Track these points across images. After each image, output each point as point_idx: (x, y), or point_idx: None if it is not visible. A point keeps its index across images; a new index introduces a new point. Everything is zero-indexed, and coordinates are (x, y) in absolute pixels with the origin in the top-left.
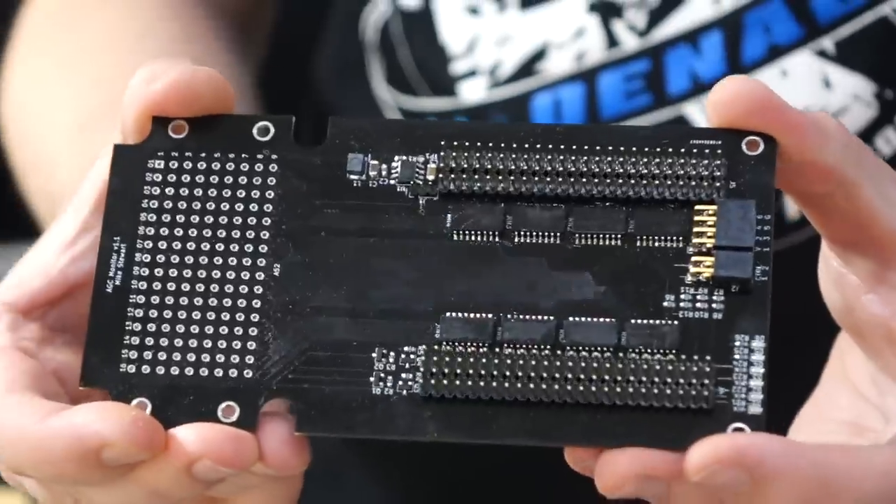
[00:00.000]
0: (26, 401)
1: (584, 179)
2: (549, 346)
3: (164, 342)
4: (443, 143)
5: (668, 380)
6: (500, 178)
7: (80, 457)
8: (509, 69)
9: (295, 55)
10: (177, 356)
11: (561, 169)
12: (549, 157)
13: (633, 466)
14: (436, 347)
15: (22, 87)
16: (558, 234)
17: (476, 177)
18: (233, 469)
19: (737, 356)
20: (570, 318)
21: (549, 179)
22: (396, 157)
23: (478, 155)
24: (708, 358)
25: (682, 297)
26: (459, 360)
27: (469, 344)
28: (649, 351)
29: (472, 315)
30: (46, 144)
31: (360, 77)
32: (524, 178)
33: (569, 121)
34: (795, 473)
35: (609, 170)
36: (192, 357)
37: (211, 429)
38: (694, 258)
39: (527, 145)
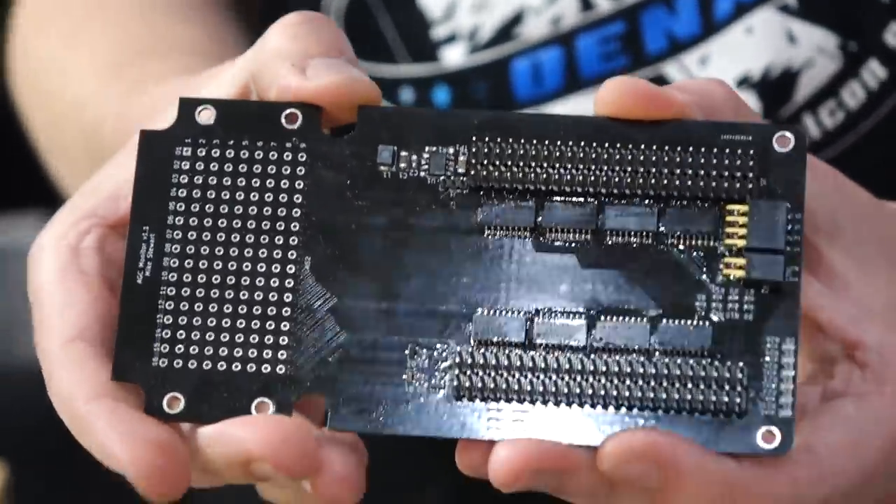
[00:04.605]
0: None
1: (617, 170)
2: (581, 347)
3: (195, 336)
4: (474, 136)
5: (700, 384)
6: (532, 171)
7: (229, 461)
8: (488, 34)
9: None
10: (209, 350)
11: (594, 157)
12: (581, 150)
13: (528, 458)
14: (468, 347)
15: (42, 47)
16: (590, 230)
17: (507, 172)
18: None
19: (767, 358)
20: (602, 318)
21: (580, 175)
22: (427, 149)
23: (509, 151)
24: (739, 361)
25: (714, 297)
26: (492, 359)
27: (502, 343)
28: (680, 352)
29: (504, 314)
30: (81, 89)
31: None
32: (555, 172)
33: (549, 84)
34: (704, 477)
35: (642, 157)
36: (224, 351)
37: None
38: (725, 259)
39: (559, 141)
